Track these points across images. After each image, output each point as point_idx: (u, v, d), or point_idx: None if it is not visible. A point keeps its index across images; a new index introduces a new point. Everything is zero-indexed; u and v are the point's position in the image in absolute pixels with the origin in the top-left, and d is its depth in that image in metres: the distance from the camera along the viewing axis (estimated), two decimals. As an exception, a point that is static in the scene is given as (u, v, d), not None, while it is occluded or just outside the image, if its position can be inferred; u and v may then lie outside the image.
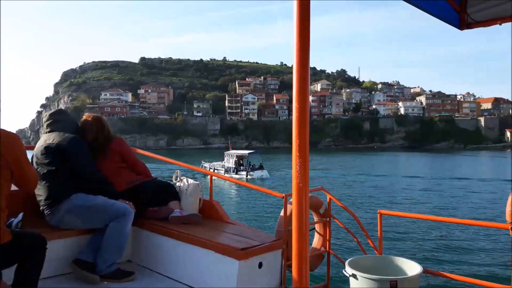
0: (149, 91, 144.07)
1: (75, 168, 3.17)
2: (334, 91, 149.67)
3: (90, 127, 3.50)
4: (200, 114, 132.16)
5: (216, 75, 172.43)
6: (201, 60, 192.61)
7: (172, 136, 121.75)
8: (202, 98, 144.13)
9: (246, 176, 39.72)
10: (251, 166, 42.35)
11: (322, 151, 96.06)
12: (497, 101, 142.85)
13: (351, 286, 2.67)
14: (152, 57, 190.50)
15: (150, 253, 3.44)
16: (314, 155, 73.99)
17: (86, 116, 3.64)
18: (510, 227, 2.66)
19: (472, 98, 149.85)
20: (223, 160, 45.26)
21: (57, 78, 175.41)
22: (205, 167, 40.58)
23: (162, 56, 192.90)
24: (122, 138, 3.78)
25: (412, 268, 2.74)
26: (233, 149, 51.75)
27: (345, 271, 2.67)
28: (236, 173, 40.94)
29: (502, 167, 54.78)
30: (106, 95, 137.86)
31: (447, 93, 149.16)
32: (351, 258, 2.80)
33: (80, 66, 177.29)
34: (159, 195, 3.65)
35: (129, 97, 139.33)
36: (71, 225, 3.11)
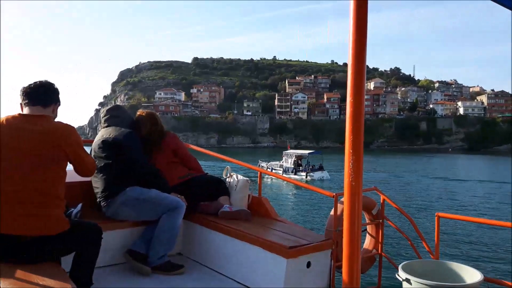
0: (201, 90, 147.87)
1: (129, 162, 3.29)
2: (389, 89, 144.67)
3: (144, 122, 3.63)
4: (250, 113, 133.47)
5: (266, 74, 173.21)
6: (252, 59, 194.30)
7: (223, 134, 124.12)
8: (252, 97, 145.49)
9: (306, 177, 38.53)
10: (311, 167, 40.85)
11: (374, 152, 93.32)
12: None
13: (404, 291, 2.54)
14: (205, 57, 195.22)
15: (200, 247, 3.50)
16: (366, 156, 71.64)
17: (140, 112, 3.78)
18: None
19: None
20: (281, 159, 44.23)
21: (115, 77, 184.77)
22: (262, 166, 39.98)
23: (214, 56, 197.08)
24: (175, 134, 3.87)
25: (471, 275, 2.57)
26: (291, 148, 50.35)
27: (398, 275, 2.55)
28: (295, 174, 39.77)
29: None
30: (160, 94, 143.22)
31: (510, 92, 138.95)
32: (405, 262, 2.67)
33: (136, 66, 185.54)
34: (209, 190, 3.71)
35: (182, 96, 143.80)
36: (126, 217, 3.23)
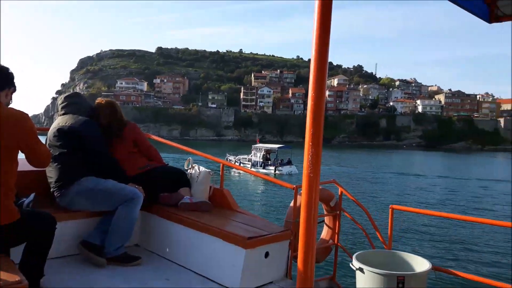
0: (165, 81, 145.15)
1: (87, 151, 3.21)
2: (352, 86, 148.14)
3: (103, 111, 3.54)
4: (215, 105, 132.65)
5: (232, 67, 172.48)
6: (218, 51, 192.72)
7: (186, 126, 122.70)
8: (217, 90, 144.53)
9: (275, 171, 38.44)
10: (279, 161, 40.77)
11: (335, 147, 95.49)
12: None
13: (357, 280, 2.65)
14: (169, 47, 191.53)
15: (158, 239, 3.48)
16: (328, 151, 73.66)
17: (99, 100, 3.68)
18: None
19: (491, 98, 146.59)
20: (249, 153, 43.93)
21: (74, 65, 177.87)
22: (230, 160, 39.83)
23: (179, 47, 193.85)
24: (136, 124, 3.80)
25: (420, 264, 2.71)
26: (260, 142, 49.85)
27: (352, 264, 2.65)
28: (264, 168, 39.64)
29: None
30: (121, 83, 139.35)
31: (465, 92, 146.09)
32: (359, 252, 2.78)
33: (97, 54, 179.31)
34: (170, 181, 3.68)
35: (144, 86, 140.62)
36: (81, 207, 3.15)
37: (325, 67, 1.28)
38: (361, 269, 2.59)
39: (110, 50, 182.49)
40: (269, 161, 41.34)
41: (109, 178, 3.21)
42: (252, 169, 37.09)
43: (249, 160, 42.26)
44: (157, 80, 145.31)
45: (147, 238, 3.57)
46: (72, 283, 2.71)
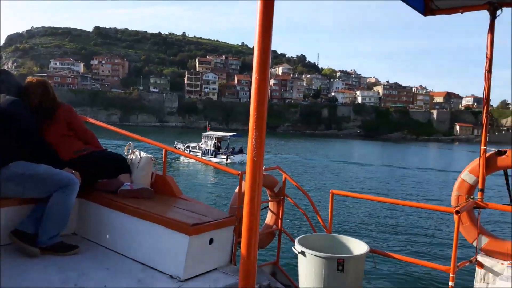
0: (103, 62, 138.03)
1: (16, 133, 2.99)
2: (296, 76, 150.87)
3: (34, 91, 3.31)
4: (157, 90, 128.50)
5: (175, 50, 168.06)
6: (160, 33, 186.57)
7: (126, 111, 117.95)
8: (159, 73, 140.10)
9: (226, 160, 37.73)
10: (231, 150, 39.96)
11: (280, 135, 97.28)
12: (448, 95, 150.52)
13: (299, 263, 2.75)
14: (108, 26, 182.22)
15: (97, 227, 3.36)
16: (273, 139, 74.94)
17: (30, 79, 3.43)
18: (454, 210, 2.85)
19: (424, 91, 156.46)
20: (200, 141, 42.47)
21: (1, 42, 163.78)
22: (179, 148, 38.40)
23: (118, 27, 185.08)
24: (70, 105, 3.59)
25: (359, 247, 2.86)
26: (211, 130, 48.19)
27: (294, 248, 2.74)
28: (215, 157, 38.60)
29: (449, 158, 58.36)
30: (55, 63, 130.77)
31: (401, 84, 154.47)
32: (301, 236, 2.87)
33: (28, 31, 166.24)
34: (108, 167, 3.54)
35: (80, 67, 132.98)
36: (11, 194, 2.95)
37: (269, 46, 1.29)
38: (303, 253, 2.68)
39: (42, 27, 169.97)
40: (220, 150, 40.51)
41: (42, 163, 3.03)
42: (203, 157, 35.75)
43: (199, 148, 41.08)
44: (94, 61, 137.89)
45: (84, 227, 3.43)
46: (3, 275, 2.54)
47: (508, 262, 2.90)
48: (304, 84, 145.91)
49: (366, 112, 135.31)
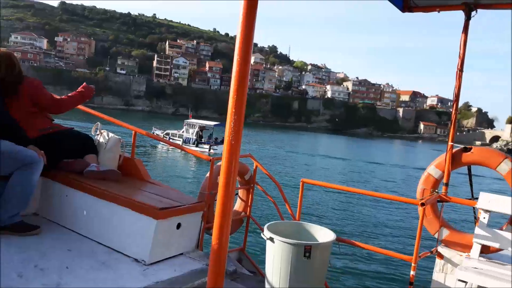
0: (68, 40, 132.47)
1: None
2: (268, 66, 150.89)
3: None
4: (124, 72, 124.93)
5: (144, 32, 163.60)
6: (129, 13, 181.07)
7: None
8: (127, 55, 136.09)
9: (209, 150, 36.36)
10: (214, 140, 38.11)
11: (250, 126, 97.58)
12: (414, 94, 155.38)
13: (267, 249, 2.79)
14: (74, 3, 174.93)
15: (60, 207, 3.27)
16: (243, 129, 74.83)
17: None
18: (419, 203, 2.97)
19: (391, 89, 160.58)
20: (181, 128, 40.66)
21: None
22: (157, 134, 36.75)
23: (86, 4, 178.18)
24: (39, 80, 3.42)
25: (326, 235, 2.94)
26: (194, 117, 45.90)
27: (263, 234, 2.78)
28: (197, 146, 37.03)
29: (413, 156, 60.61)
30: (16, 37, 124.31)
31: (370, 81, 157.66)
32: (270, 223, 2.92)
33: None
34: (75, 146, 3.44)
35: (44, 43, 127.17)
36: (-32, 170, 2.82)
37: (252, 28, 1.29)
38: (271, 239, 2.72)
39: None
40: (203, 139, 38.95)
41: (5, 139, 2.90)
42: (184, 146, 34.52)
43: (180, 136, 39.47)
44: (59, 38, 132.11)
45: (47, 207, 3.34)
46: None
47: (466, 253, 3.07)
48: (276, 76, 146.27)
49: (335, 106, 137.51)
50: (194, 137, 38.41)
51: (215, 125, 39.52)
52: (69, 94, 3.55)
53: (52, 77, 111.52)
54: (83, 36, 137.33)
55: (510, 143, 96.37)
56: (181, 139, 38.20)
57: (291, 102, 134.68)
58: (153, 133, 37.44)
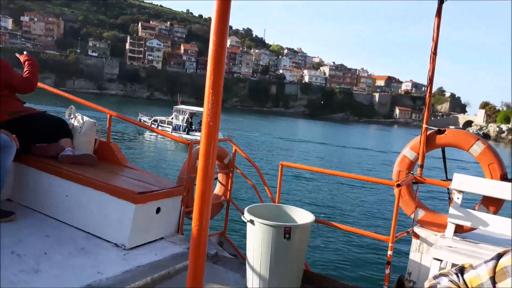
0: (35, 20, 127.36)
1: None
2: (245, 50, 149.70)
3: None
4: (96, 54, 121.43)
5: (115, 13, 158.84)
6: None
7: (61, 76, 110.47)
8: (98, 36, 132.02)
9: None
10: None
11: (228, 110, 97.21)
12: (389, 79, 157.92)
13: (248, 231, 2.83)
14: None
15: (35, 193, 3.22)
16: (222, 114, 74.54)
17: None
18: (395, 184, 3.07)
19: (366, 74, 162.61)
20: (170, 116, 38.65)
21: None
22: (144, 121, 35.64)
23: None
24: (5, 60, 3.31)
25: (305, 217, 3.00)
26: (183, 104, 43.58)
27: (244, 217, 2.82)
28: (187, 133, 35.11)
29: (389, 140, 62.01)
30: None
31: (347, 66, 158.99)
32: (250, 206, 2.96)
33: None
34: (48, 130, 3.37)
35: (8, 23, 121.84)
36: None
37: (228, 7, 1.26)
38: (251, 221, 2.77)
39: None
40: (193, 126, 37.07)
41: None
42: (174, 133, 32.46)
43: (169, 123, 37.44)
44: (25, 18, 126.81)
45: (21, 192, 3.27)
46: None
47: (441, 233, 3.20)
48: (253, 59, 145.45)
49: (312, 91, 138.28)
50: (185, 124, 36.76)
51: None
52: (27, 70, 3.46)
53: (19, 59, 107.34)
54: (51, 16, 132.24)
55: (483, 128, 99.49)
56: (170, 126, 36.51)
57: (268, 86, 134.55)
58: (140, 119, 35.61)
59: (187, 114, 37.25)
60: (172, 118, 38.16)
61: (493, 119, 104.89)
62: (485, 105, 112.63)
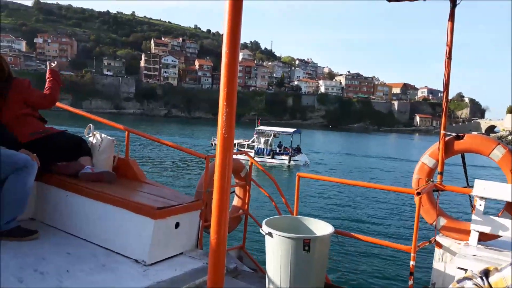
0: (49, 41, 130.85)
1: None
2: (259, 63, 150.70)
3: None
4: (111, 73, 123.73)
5: (126, 31, 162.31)
6: (108, 12, 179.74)
7: (78, 96, 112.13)
8: (113, 55, 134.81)
9: (289, 162, 32.35)
10: (294, 149, 33.89)
11: (247, 124, 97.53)
12: (405, 87, 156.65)
13: (266, 244, 2.88)
14: (49, 2, 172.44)
15: (56, 211, 3.33)
16: (238, 129, 75.05)
17: None
18: (415, 192, 3.08)
19: (377, 82, 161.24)
20: (251, 138, 36.12)
21: None
22: (216, 144, 34.53)
23: (61, 3, 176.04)
24: (27, 79, 3.48)
25: (324, 228, 3.04)
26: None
27: (262, 230, 2.86)
28: (273, 158, 32.78)
29: (409, 148, 61.26)
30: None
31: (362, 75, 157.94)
32: (268, 218, 3.01)
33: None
34: (68, 149, 3.51)
35: (22, 45, 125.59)
36: (-38, 176, 2.87)
37: (239, 20, 1.26)
38: (270, 234, 2.81)
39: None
40: (278, 149, 34.47)
41: None
42: (257, 158, 30.35)
43: (249, 146, 34.31)
44: (39, 40, 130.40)
45: (43, 211, 3.40)
46: None
47: (465, 241, 3.19)
48: (268, 72, 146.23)
49: (330, 102, 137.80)
50: (269, 148, 33.82)
51: (294, 131, 34.45)
52: (48, 86, 3.62)
53: (35, 81, 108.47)
54: (64, 37, 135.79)
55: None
56: (251, 150, 33.32)
57: (285, 99, 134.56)
58: (212, 144, 34.06)
59: (271, 136, 34.29)
60: (253, 141, 35.20)
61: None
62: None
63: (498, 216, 3.12)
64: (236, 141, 34.97)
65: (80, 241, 3.13)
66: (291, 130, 35.57)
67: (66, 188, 3.28)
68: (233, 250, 4.01)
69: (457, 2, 3.29)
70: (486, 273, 1.21)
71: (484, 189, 3.08)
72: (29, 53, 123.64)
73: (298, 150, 34.10)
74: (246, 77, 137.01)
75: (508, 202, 3.12)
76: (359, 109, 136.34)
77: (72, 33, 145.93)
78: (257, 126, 36.88)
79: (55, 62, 3.80)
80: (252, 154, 32.24)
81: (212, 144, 34.04)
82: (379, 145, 65.77)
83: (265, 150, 33.56)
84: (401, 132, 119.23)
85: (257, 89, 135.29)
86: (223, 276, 1.25)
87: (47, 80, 3.63)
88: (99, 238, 3.11)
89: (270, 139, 33.97)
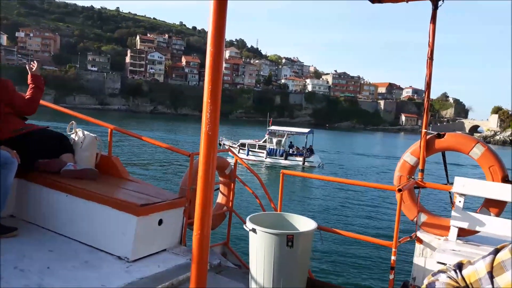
0: (31, 35, 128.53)
1: None
2: (247, 60, 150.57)
3: None
4: (96, 69, 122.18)
5: (111, 26, 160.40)
6: (92, 7, 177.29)
7: (62, 92, 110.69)
8: (97, 51, 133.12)
9: (303, 164, 31.31)
10: (307, 150, 32.65)
11: (234, 122, 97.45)
12: (390, 86, 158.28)
13: (250, 240, 2.91)
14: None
15: (37, 208, 3.31)
16: (225, 126, 75.27)
17: None
18: (396, 189, 3.15)
19: (363, 81, 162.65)
20: (262, 138, 34.72)
21: None
22: (224, 145, 31.76)
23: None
24: (10, 81, 3.45)
25: (307, 224, 3.08)
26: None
27: (246, 226, 2.89)
28: (286, 159, 31.75)
29: (394, 146, 62.22)
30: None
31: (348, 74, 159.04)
32: (252, 215, 3.04)
33: None
34: (50, 146, 3.49)
35: (3, 39, 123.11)
36: None
37: (224, 17, 1.28)
38: (254, 230, 2.84)
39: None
40: (291, 150, 33.40)
41: None
42: (268, 159, 30.54)
43: (261, 147, 33.10)
44: (20, 34, 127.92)
45: (23, 208, 3.37)
46: None
47: (444, 237, 3.27)
48: (256, 70, 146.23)
49: (317, 100, 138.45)
50: (282, 148, 32.68)
51: (308, 132, 33.46)
52: (30, 91, 3.59)
53: (17, 75, 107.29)
54: (47, 31, 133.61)
55: (498, 133, 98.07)
56: (263, 151, 32.62)
57: (273, 96, 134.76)
58: (221, 145, 31.34)
59: (285, 137, 33.22)
60: (264, 141, 33.73)
61: (507, 124, 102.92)
62: (497, 110, 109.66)
63: (477, 213, 3.21)
64: (246, 142, 34.55)
65: (62, 238, 3.12)
66: (306, 130, 34.64)
67: (47, 185, 3.27)
68: (217, 247, 4.04)
69: (439, 4, 3.36)
70: (459, 266, 1.24)
71: (464, 186, 3.16)
72: (11, 47, 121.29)
73: (311, 151, 33.16)
74: (234, 75, 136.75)
75: (487, 199, 3.21)
76: (346, 108, 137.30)
77: (55, 28, 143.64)
78: (269, 126, 35.68)
79: (35, 62, 3.76)
80: (264, 155, 31.95)
81: (221, 145, 32.03)
82: (365, 144, 66.46)
83: (278, 150, 32.66)
84: (387, 131, 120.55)
85: (244, 86, 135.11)
86: (206, 271, 1.26)
87: (30, 86, 3.60)
88: (81, 235, 3.11)
89: (283, 139, 33.14)
